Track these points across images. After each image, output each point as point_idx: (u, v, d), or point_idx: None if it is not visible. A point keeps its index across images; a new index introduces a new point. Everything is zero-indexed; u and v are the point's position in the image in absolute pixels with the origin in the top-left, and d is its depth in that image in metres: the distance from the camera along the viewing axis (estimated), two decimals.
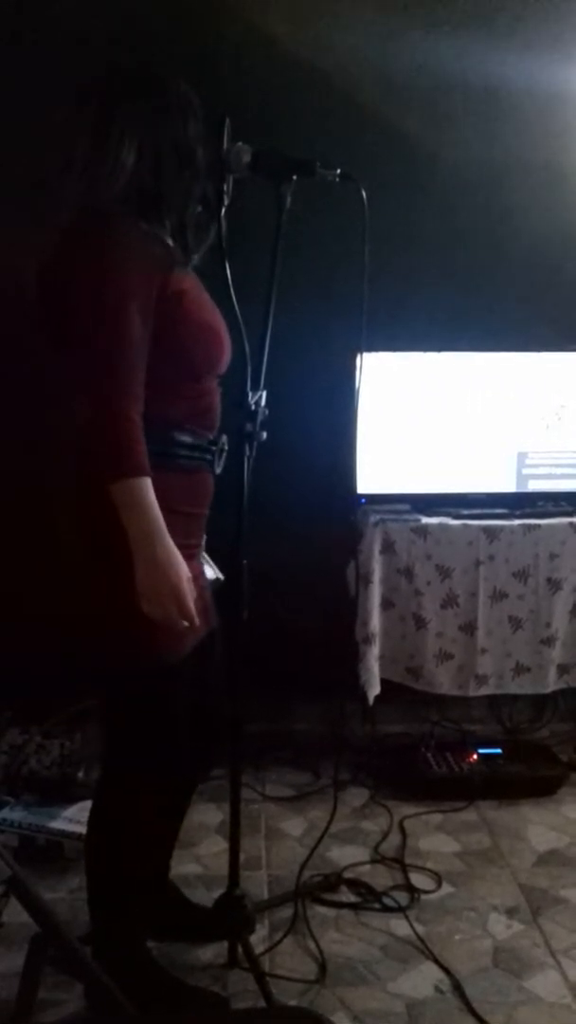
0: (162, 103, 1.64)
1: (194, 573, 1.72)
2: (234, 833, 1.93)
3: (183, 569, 1.57)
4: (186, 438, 1.68)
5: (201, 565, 1.82)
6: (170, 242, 1.66)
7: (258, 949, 1.97)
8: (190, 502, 1.71)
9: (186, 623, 1.59)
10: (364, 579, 2.61)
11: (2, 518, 2.71)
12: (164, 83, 1.67)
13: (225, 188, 1.73)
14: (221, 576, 1.91)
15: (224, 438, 1.78)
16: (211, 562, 1.89)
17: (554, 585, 2.68)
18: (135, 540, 1.54)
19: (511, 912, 2.17)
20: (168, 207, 1.66)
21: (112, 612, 1.64)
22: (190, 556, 1.71)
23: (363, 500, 2.72)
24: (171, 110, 1.65)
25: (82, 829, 2.29)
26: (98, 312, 1.54)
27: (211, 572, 1.87)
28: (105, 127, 1.60)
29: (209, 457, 1.74)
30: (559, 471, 2.77)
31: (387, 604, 2.67)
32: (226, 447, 1.79)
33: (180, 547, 1.63)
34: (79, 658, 1.73)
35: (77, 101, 1.64)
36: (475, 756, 2.74)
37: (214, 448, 1.75)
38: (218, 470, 1.77)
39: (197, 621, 1.60)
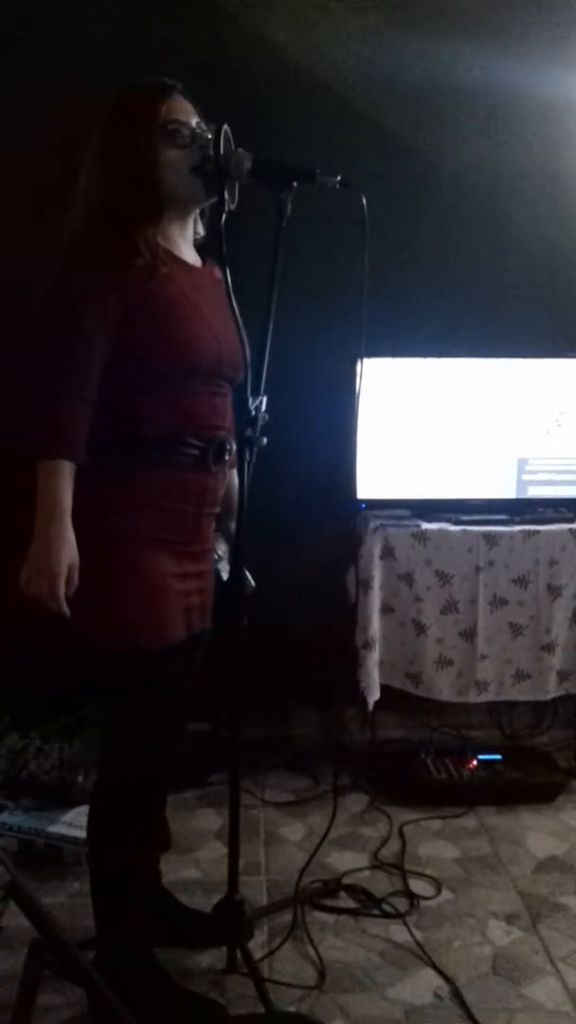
0: (149, 108, 1.70)
1: (181, 572, 1.75)
2: (233, 838, 1.93)
3: (67, 558, 1.59)
4: (169, 436, 1.71)
5: (212, 565, 1.85)
6: (160, 241, 1.70)
7: (257, 955, 1.97)
8: (174, 499, 1.73)
9: (55, 607, 1.59)
10: (364, 584, 2.61)
11: None
12: (149, 89, 1.73)
13: (227, 195, 1.74)
14: (252, 583, 1.95)
15: (225, 437, 1.78)
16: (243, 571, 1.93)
17: (554, 591, 2.68)
18: (37, 517, 1.58)
19: (510, 919, 2.17)
20: (164, 209, 1.72)
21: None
22: (175, 553, 1.74)
23: (363, 505, 2.72)
24: (159, 112, 1.70)
25: (81, 833, 2.28)
26: (55, 314, 1.64)
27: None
28: (101, 146, 1.69)
29: (195, 453, 1.74)
30: (559, 477, 2.77)
31: (387, 609, 2.67)
32: (230, 446, 1.79)
33: (157, 541, 1.70)
34: (52, 644, 1.72)
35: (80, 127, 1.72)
36: (475, 762, 2.73)
37: (203, 447, 1.75)
38: (215, 469, 1.78)
39: (65, 610, 1.59)
